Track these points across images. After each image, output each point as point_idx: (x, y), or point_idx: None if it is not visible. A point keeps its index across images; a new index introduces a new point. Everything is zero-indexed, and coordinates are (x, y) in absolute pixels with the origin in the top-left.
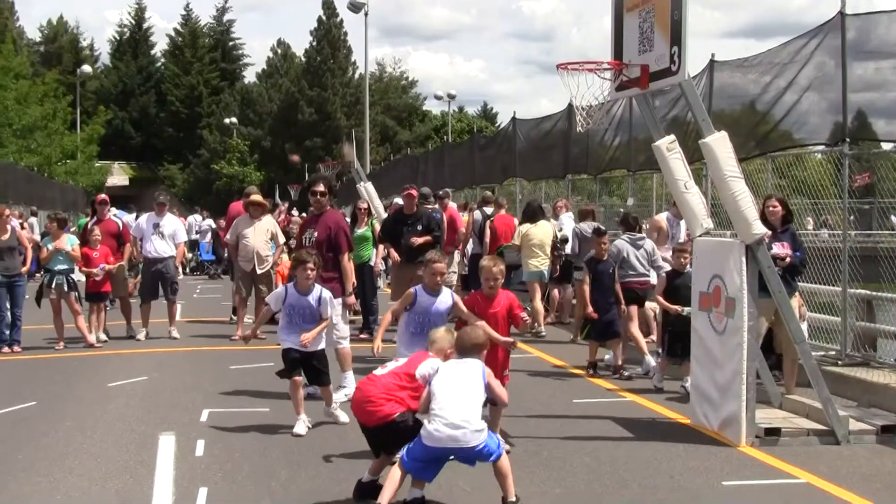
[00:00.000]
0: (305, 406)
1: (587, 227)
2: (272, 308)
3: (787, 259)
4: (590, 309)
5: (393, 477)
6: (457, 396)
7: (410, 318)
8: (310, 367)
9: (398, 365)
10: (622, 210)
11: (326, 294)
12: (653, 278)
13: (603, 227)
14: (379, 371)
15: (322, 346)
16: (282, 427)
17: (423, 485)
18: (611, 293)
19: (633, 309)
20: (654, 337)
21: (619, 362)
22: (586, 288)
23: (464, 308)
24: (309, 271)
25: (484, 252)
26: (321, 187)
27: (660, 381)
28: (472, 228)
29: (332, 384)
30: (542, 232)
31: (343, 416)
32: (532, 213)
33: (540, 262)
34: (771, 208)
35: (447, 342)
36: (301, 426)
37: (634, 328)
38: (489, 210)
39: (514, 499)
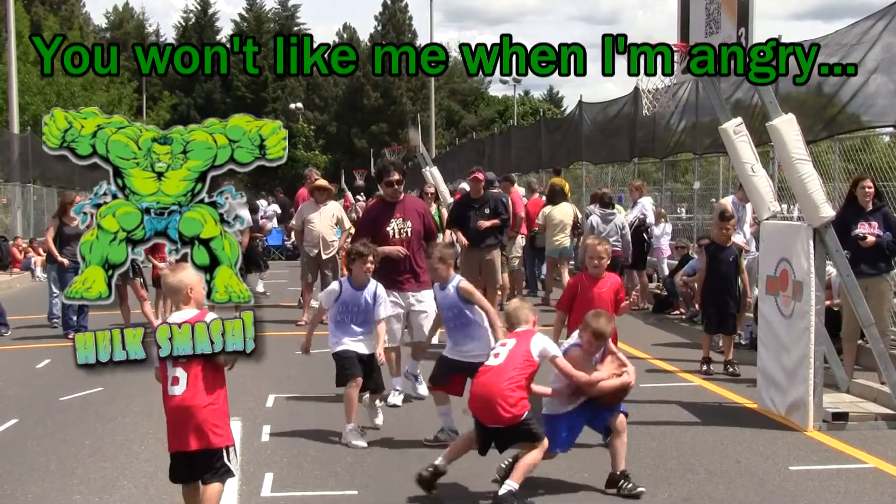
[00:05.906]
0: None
1: (595, 208)
2: (324, 306)
3: (869, 239)
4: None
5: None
6: None
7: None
8: (366, 372)
9: (510, 348)
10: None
11: (381, 290)
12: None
13: (729, 212)
14: (493, 361)
15: (375, 349)
16: None
17: None
18: (729, 283)
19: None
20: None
21: (730, 356)
22: (701, 275)
23: (478, 296)
24: (369, 264)
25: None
26: (398, 175)
27: None
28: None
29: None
30: (561, 213)
31: (378, 419)
32: (553, 196)
33: (560, 241)
34: (867, 189)
35: (527, 309)
36: (356, 436)
37: None
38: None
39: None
